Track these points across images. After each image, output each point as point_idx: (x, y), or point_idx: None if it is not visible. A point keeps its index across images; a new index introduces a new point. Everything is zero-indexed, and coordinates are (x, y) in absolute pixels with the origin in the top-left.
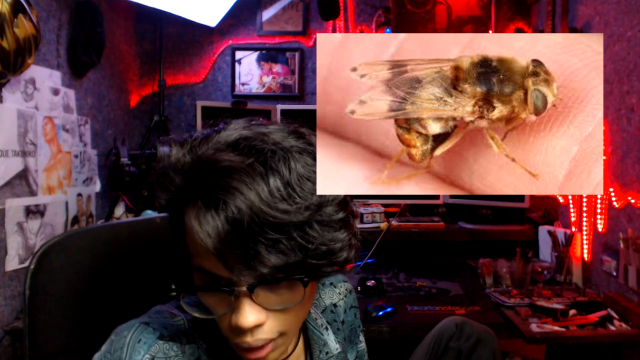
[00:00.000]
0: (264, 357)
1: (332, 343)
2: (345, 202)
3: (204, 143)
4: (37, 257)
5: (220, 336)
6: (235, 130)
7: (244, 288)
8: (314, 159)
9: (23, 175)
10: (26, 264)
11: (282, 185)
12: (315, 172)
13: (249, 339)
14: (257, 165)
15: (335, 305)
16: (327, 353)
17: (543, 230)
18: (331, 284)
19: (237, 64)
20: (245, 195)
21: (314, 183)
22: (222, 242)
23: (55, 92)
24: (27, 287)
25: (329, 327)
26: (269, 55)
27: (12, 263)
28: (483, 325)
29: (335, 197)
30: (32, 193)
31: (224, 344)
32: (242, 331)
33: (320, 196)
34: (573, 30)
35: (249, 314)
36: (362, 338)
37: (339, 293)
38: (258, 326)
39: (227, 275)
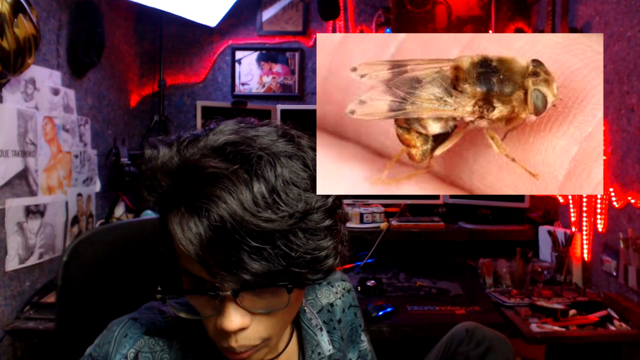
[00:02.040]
0: (247, 358)
1: (325, 344)
2: (332, 209)
3: (191, 145)
4: (69, 250)
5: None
6: (222, 133)
7: (229, 292)
8: (304, 163)
9: (23, 175)
10: (26, 264)
11: (266, 192)
12: (303, 178)
13: (233, 344)
14: (242, 172)
15: (332, 304)
16: (319, 354)
17: (543, 230)
18: (328, 283)
19: (237, 64)
20: (228, 203)
21: (301, 189)
22: (204, 249)
23: (55, 92)
24: (60, 278)
25: (323, 327)
26: (269, 55)
27: (12, 263)
28: (496, 331)
29: (322, 203)
30: (32, 193)
31: (211, 340)
32: (227, 334)
33: (307, 203)
34: (573, 30)
35: (234, 317)
36: (364, 337)
37: (336, 292)
38: (243, 329)
39: (211, 279)
